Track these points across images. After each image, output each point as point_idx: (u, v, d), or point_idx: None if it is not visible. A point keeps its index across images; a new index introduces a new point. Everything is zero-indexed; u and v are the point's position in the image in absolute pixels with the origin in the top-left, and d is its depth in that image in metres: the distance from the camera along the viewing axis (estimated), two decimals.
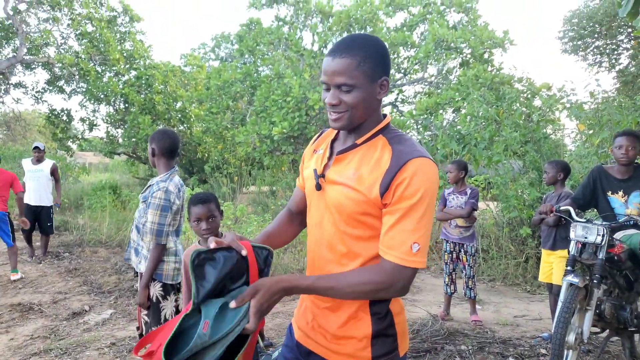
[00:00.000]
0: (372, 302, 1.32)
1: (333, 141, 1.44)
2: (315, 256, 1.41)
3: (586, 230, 3.08)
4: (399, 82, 10.63)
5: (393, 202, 1.22)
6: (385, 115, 1.38)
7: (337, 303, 1.35)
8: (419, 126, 8.08)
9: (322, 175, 1.37)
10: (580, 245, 3.13)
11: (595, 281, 3.02)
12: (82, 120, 13.95)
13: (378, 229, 1.28)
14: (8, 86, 15.26)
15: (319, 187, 1.37)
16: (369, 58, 1.24)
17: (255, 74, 10.86)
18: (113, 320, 4.44)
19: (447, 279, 4.54)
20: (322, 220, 1.38)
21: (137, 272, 2.90)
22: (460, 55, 9.43)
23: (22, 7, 13.78)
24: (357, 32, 9.84)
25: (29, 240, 6.83)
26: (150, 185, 2.79)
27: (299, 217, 1.61)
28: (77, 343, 3.83)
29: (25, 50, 13.88)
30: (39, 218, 6.75)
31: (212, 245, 1.24)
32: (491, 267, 6.28)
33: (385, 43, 9.68)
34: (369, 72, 1.24)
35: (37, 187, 6.66)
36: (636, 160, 3.29)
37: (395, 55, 10.11)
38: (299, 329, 1.49)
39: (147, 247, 2.76)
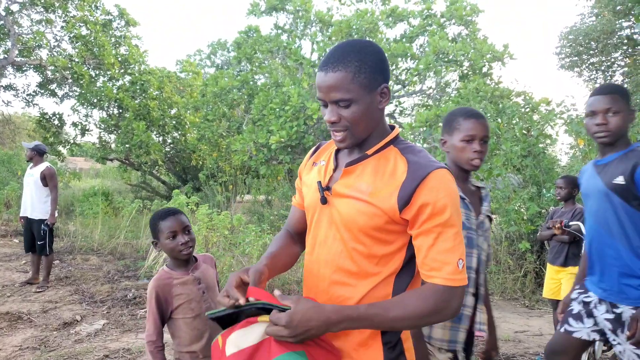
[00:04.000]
0: (383, 331, 1.23)
1: (337, 152, 1.35)
2: (317, 278, 1.30)
3: None
4: (397, 94, 10.64)
5: (423, 219, 1.14)
6: (393, 127, 1.31)
7: None
8: (417, 138, 8.06)
9: (328, 188, 1.27)
10: None
11: None
12: (74, 124, 13.74)
13: (392, 244, 1.20)
14: None
15: (324, 201, 1.27)
16: (365, 67, 1.15)
17: (252, 82, 10.80)
18: (106, 331, 4.30)
19: None
20: (326, 237, 1.28)
21: None
22: (460, 68, 9.48)
23: (15, 7, 13.62)
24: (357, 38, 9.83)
25: (34, 260, 5.68)
26: None
27: (298, 238, 1.50)
28: (68, 355, 3.69)
29: (16, 52, 13.68)
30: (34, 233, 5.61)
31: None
32: (489, 282, 6.25)
33: (385, 53, 9.71)
34: (366, 83, 1.16)
35: (25, 195, 5.63)
36: None
37: (394, 67, 10.14)
38: None
39: None
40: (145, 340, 2.03)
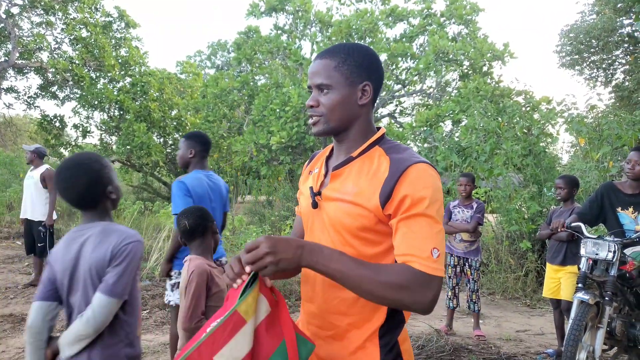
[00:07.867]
0: (381, 333, 1.23)
1: (327, 159, 1.38)
2: (313, 282, 1.31)
3: (597, 247, 3.05)
4: (397, 94, 10.64)
5: (403, 210, 1.14)
6: (379, 128, 1.33)
7: (341, 331, 1.26)
8: (417, 138, 8.07)
9: (319, 193, 1.30)
10: (591, 262, 3.09)
11: (607, 298, 2.97)
12: (76, 126, 13.77)
13: (380, 244, 1.21)
14: None
15: (315, 205, 1.31)
16: (350, 60, 1.22)
17: (252, 83, 10.81)
18: None
19: (449, 293, 4.49)
20: (319, 241, 1.29)
21: None
22: (460, 67, 9.47)
23: (15, 10, 13.64)
24: (356, 42, 9.83)
25: (36, 262, 5.72)
26: None
27: None
28: None
29: (17, 54, 13.71)
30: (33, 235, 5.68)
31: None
32: (491, 281, 6.24)
33: (384, 54, 9.75)
34: (347, 75, 1.22)
35: (25, 197, 5.72)
36: None
37: (394, 67, 10.14)
38: None
39: None
40: (188, 325, 2.01)
